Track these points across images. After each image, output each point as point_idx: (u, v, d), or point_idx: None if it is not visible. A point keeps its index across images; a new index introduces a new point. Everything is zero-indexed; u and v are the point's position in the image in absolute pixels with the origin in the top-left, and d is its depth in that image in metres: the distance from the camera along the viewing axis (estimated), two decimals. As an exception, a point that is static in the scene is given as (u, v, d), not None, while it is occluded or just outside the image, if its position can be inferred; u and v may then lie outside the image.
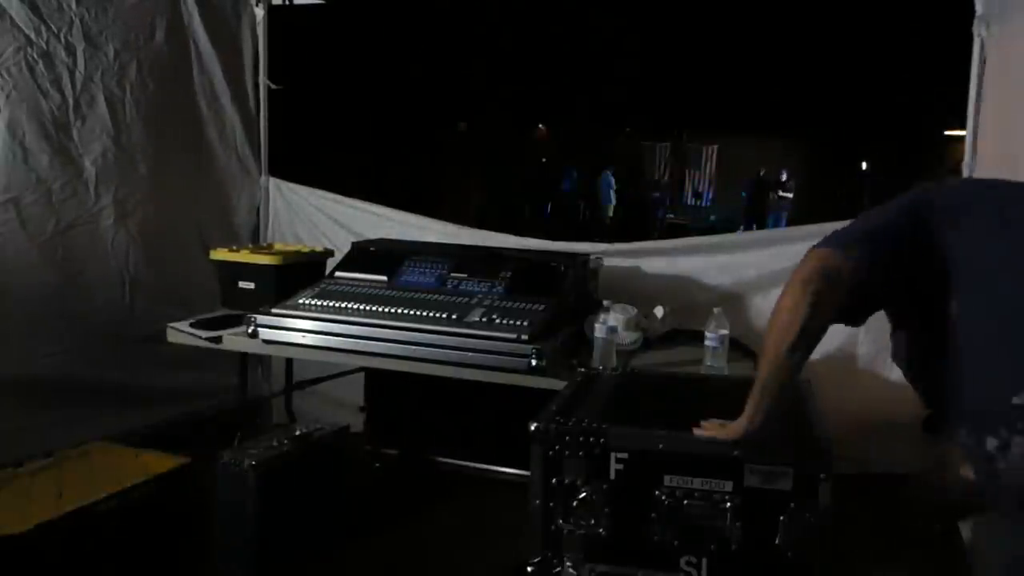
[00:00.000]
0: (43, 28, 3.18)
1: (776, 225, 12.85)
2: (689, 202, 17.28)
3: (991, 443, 1.46)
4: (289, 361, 3.78)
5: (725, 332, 2.67)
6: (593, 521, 1.82)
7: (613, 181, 15.24)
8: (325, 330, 2.84)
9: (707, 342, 2.67)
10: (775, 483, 1.73)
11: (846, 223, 1.71)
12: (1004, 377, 1.46)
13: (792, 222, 12.22)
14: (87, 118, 3.36)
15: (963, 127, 3.06)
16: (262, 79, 4.17)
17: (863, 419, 2.89)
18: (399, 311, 2.82)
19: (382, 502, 3.17)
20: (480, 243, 3.65)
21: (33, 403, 3.15)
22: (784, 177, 14.26)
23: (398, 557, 2.80)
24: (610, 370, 2.51)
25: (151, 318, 3.40)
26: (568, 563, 1.84)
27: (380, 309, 2.84)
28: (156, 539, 2.67)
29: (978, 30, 2.95)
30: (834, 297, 1.58)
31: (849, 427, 2.52)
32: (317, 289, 3.04)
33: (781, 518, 1.72)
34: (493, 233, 3.93)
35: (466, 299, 2.90)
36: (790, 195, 14.34)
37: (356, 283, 3.10)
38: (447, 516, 3.12)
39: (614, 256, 3.57)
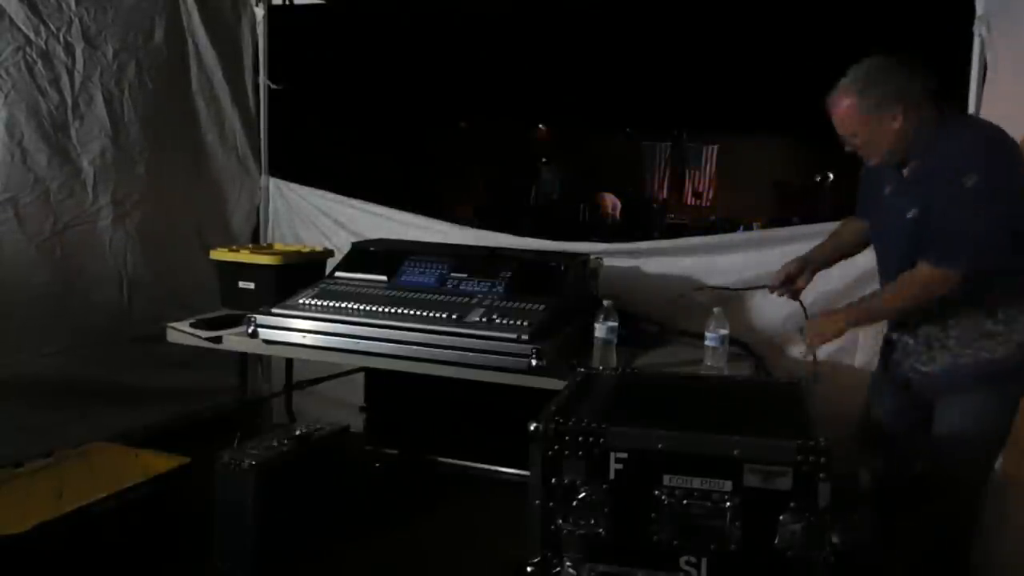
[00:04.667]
0: (42, 28, 3.18)
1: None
2: (689, 202, 17.23)
3: None
4: (289, 361, 3.77)
5: (725, 332, 2.67)
6: (593, 521, 1.81)
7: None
8: (325, 330, 2.83)
9: (707, 342, 2.67)
10: (775, 483, 1.72)
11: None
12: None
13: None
14: (85, 118, 3.36)
15: (963, 127, 3.04)
16: (262, 79, 4.17)
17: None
18: (399, 311, 2.82)
19: (382, 502, 3.17)
20: (480, 243, 3.65)
21: (33, 403, 3.15)
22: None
23: (398, 557, 2.80)
24: (610, 370, 2.51)
25: (150, 318, 3.40)
26: (568, 563, 1.84)
27: (380, 309, 2.83)
28: (156, 539, 2.67)
29: (978, 30, 2.94)
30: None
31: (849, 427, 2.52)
32: (317, 289, 3.03)
33: (781, 518, 1.72)
34: (493, 233, 3.92)
35: (466, 299, 2.90)
36: None
37: (356, 283, 3.09)
38: (447, 516, 3.12)
39: (614, 256, 3.57)
